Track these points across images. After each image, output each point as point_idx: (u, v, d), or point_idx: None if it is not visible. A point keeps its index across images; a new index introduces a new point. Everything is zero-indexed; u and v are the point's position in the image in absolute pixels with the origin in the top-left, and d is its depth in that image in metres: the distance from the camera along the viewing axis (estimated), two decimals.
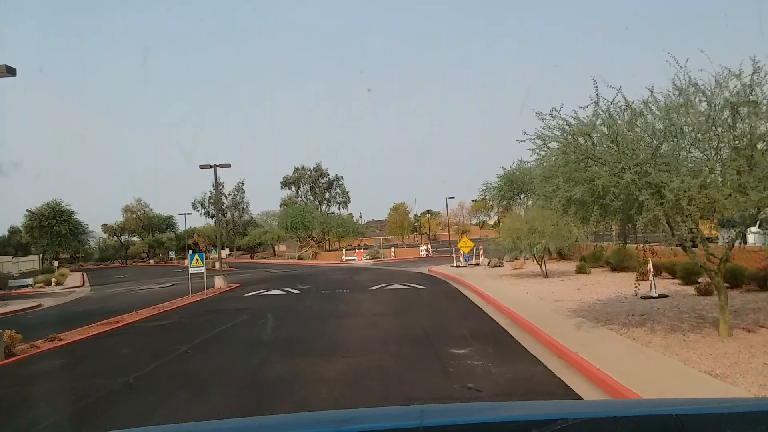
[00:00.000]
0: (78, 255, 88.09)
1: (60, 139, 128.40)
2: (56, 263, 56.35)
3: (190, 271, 22.86)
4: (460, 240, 32.94)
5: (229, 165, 26.63)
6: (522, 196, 36.30)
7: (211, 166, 26.45)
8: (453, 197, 52.74)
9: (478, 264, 32.78)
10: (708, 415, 1.73)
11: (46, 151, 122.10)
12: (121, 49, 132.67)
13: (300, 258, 63.53)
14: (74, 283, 43.06)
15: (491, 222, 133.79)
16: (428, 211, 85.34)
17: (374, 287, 22.53)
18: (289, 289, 23.19)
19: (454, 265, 32.79)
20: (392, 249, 52.36)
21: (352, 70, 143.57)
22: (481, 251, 34.14)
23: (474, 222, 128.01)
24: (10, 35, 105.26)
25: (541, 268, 23.49)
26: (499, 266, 30.31)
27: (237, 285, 27.47)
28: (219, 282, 26.24)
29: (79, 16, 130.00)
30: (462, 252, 32.24)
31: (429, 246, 51.76)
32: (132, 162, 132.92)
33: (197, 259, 22.74)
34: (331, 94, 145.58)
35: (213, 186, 25.28)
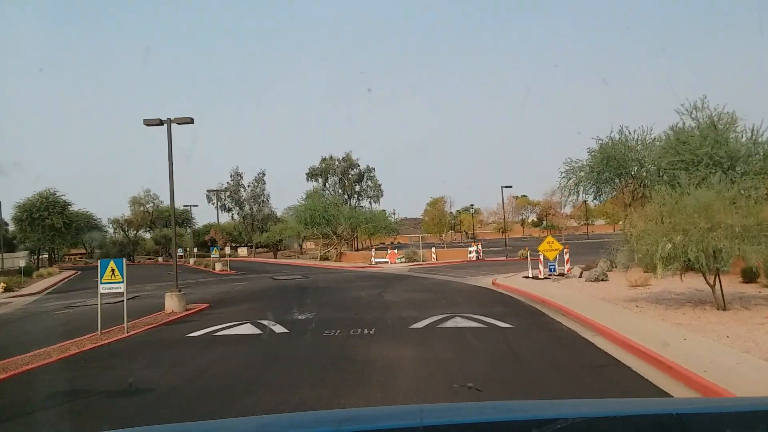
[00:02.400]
0: (91, 252, 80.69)
1: (65, 133, 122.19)
2: (22, 262, 47.68)
3: (101, 289, 13.18)
4: (543, 241, 22.58)
5: (190, 120, 16.94)
6: (619, 180, 25.78)
7: (162, 122, 16.81)
8: (510, 186, 42.03)
9: (563, 275, 22.49)
10: (708, 414, 1.70)
11: (53, 145, 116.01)
12: (140, 43, 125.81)
13: (324, 258, 53.98)
14: (35, 288, 34.19)
15: (529, 220, 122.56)
16: (471, 205, 74.90)
17: (420, 323, 12.55)
18: (271, 325, 13.36)
19: (530, 275, 22.58)
20: (433, 250, 42.25)
21: (390, 62, 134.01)
22: (566, 256, 23.81)
23: (515, 220, 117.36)
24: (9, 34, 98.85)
25: (713, 290, 13.25)
26: (602, 280, 20.02)
27: (203, 307, 17.77)
28: (170, 303, 16.58)
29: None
30: (544, 257, 22.01)
31: (479, 247, 41.48)
32: (145, 155, 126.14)
33: (112, 271, 13.03)
34: (355, 88, 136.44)
35: (168, 151, 15.62)
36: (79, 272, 59.26)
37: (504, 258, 40.15)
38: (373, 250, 42.06)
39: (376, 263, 40.26)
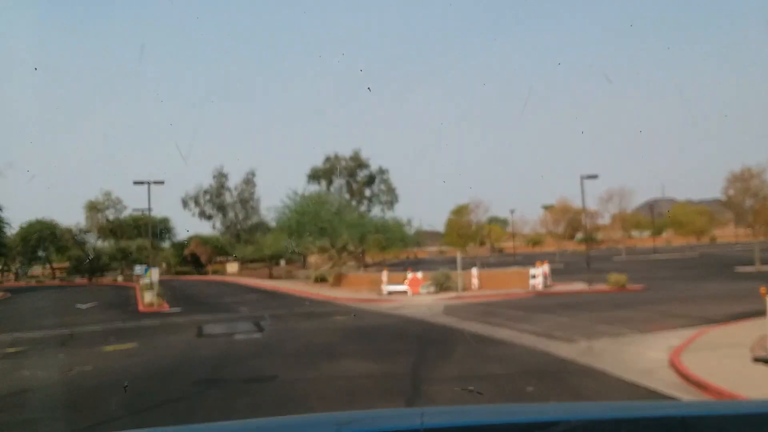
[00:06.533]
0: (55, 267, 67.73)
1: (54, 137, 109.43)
2: None
3: None
4: None
5: None
6: None
7: None
8: (596, 176, 27.71)
9: None
10: (712, 417, 1.64)
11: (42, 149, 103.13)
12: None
13: (321, 279, 40.05)
14: None
15: (559, 231, 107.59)
16: (512, 211, 60.86)
17: None
18: None
19: (763, 356, 8.42)
20: (474, 272, 27.99)
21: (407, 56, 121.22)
22: None
23: (539, 231, 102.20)
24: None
25: None
26: None
27: None
28: None
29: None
30: None
31: (546, 268, 27.22)
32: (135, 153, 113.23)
33: None
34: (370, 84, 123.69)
35: None
36: (9, 295, 46.02)
37: (586, 286, 25.90)
38: (385, 271, 28.11)
39: (389, 293, 26.21)
